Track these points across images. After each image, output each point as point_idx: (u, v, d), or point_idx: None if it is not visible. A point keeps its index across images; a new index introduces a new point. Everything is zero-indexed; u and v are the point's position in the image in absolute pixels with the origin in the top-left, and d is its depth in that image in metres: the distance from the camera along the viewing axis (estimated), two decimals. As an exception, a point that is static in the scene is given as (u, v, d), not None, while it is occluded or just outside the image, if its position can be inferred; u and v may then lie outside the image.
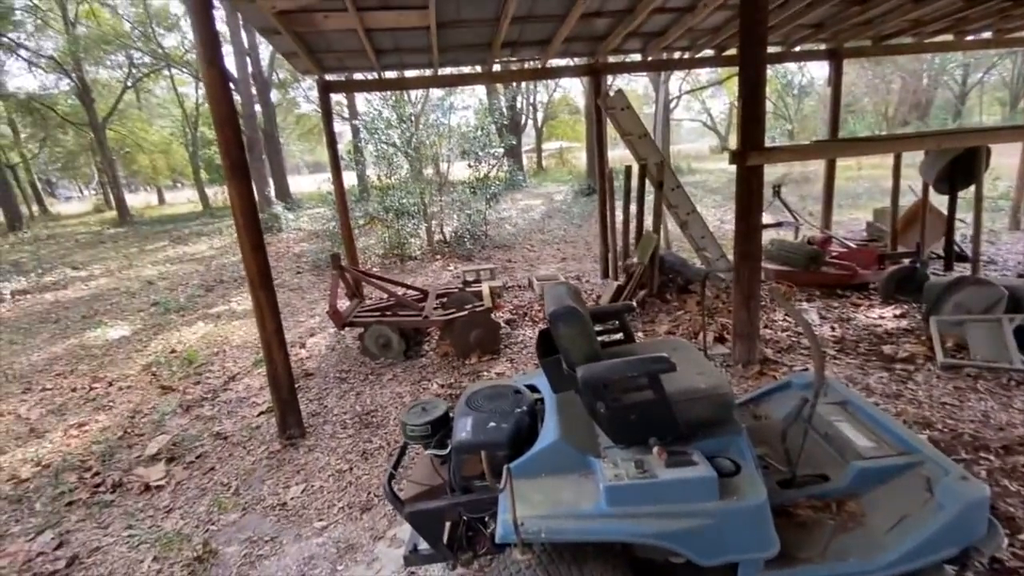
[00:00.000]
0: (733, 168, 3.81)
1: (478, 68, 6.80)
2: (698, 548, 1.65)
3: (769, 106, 30.45)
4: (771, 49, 7.35)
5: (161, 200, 32.52)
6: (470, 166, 9.33)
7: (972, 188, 5.92)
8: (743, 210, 3.85)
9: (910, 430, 2.06)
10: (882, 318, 4.99)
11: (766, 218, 8.64)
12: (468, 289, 5.84)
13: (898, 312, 5.05)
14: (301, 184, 25.53)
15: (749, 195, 3.78)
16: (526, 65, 6.87)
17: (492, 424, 1.98)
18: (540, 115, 31.46)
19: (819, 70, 31.42)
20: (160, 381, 4.91)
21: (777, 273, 6.25)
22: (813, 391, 1.87)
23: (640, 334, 5.02)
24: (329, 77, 6.36)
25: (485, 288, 5.77)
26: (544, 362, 2.00)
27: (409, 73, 6.72)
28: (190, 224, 18.96)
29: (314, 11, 4.59)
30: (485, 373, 4.41)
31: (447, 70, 6.99)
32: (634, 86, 34.86)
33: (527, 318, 5.78)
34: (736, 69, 3.85)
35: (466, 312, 4.71)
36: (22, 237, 17.21)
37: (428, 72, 6.58)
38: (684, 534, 1.63)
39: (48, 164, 30.67)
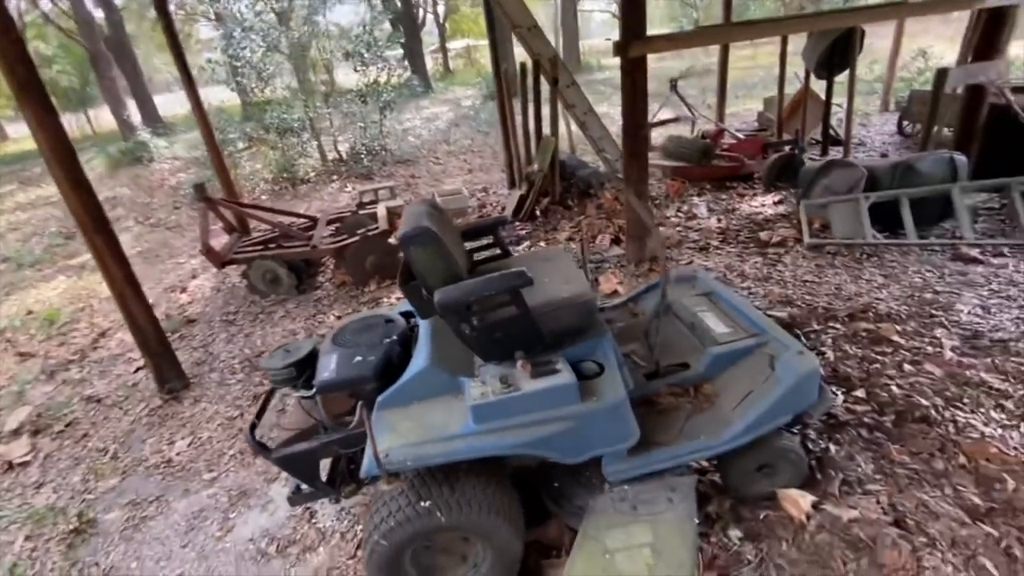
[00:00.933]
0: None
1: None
2: (563, 449, 1.72)
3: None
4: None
5: (2, 135, 27.38)
6: (356, 70, 8.39)
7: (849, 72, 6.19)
8: (629, 106, 3.74)
9: (760, 313, 2.21)
10: (763, 206, 5.28)
11: (665, 113, 8.69)
12: (363, 211, 5.48)
13: (777, 199, 5.37)
14: (173, 105, 22.16)
15: (634, 89, 3.66)
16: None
17: (358, 359, 1.88)
18: (441, 9, 28.63)
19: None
20: (16, 347, 4.33)
21: (673, 169, 6.38)
22: (661, 287, 1.92)
23: (542, 243, 5.01)
24: (159, -34, 5.26)
25: (381, 209, 5.44)
26: (404, 289, 1.89)
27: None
28: (42, 162, 16.18)
29: None
30: (385, 300, 4.27)
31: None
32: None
33: (430, 236, 5.57)
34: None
35: (359, 237, 4.44)
36: None
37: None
38: (548, 439, 1.68)
39: None
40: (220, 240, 4.89)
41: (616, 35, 3.58)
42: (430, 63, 24.49)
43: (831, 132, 6.72)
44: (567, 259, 2.20)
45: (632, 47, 3.49)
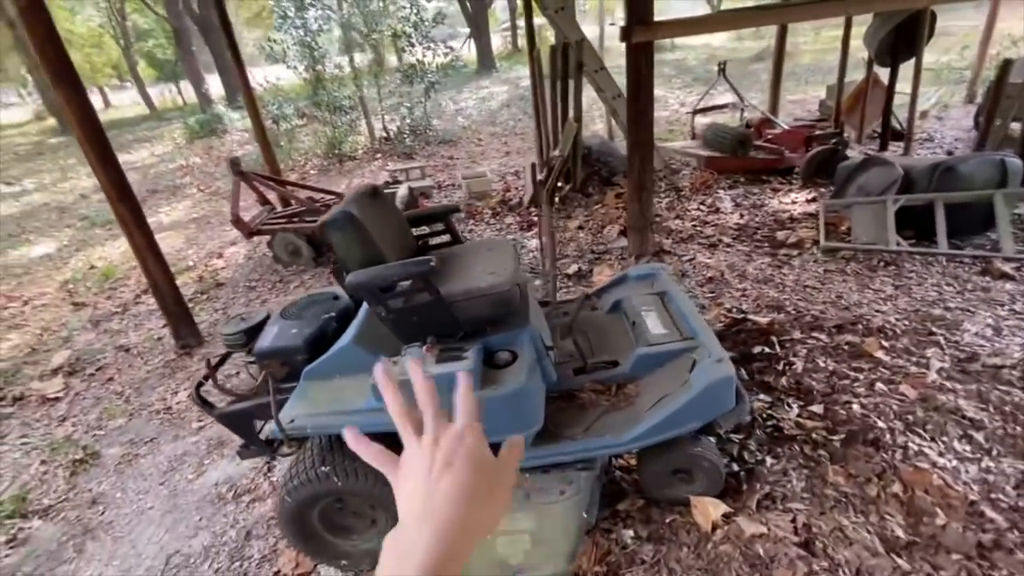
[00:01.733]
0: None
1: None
2: (459, 434, 1.79)
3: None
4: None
5: (106, 103, 30.33)
6: (403, 51, 8.57)
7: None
8: (633, 93, 3.63)
9: (701, 318, 2.14)
10: (794, 203, 4.97)
11: (716, 99, 8.27)
12: (388, 190, 5.69)
13: (811, 196, 5.02)
14: (258, 77, 23.54)
15: (638, 75, 3.55)
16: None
17: (294, 331, 2.03)
18: (513, -15, 28.14)
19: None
20: (74, 297, 4.93)
21: (707, 159, 6.11)
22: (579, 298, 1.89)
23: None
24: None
25: (402, 189, 5.63)
26: (332, 270, 2.01)
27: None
28: (135, 130, 17.93)
29: None
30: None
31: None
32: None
33: (448, 218, 5.69)
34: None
35: (369, 215, 4.63)
36: (-47, 151, 16.24)
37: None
38: (444, 422, 1.75)
39: (-25, 67, 28.03)
40: (251, 211, 5.26)
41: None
42: (497, 41, 24.32)
43: (897, 125, 6.14)
44: (507, 251, 2.22)
45: (635, 32, 3.38)
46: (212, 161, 11.19)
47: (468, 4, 19.62)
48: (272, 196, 5.48)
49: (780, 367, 2.59)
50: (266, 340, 2.02)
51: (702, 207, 5.08)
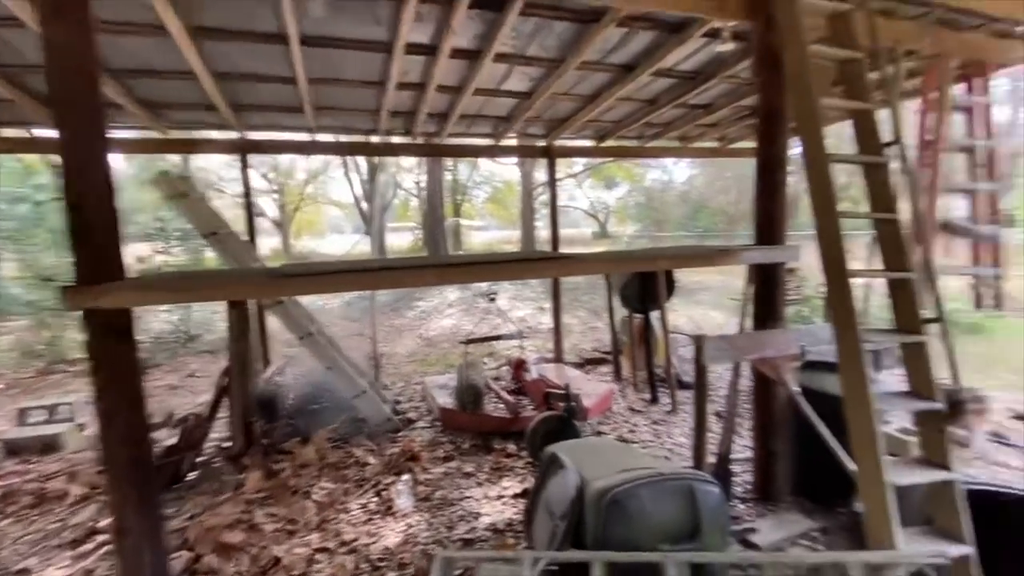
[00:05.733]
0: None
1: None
2: None
3: (632, 201, 32.10)
4: (484, 141, 6.51)
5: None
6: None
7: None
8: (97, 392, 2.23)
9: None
10: (500, 498, 3.56)
11: (498, 328, 7.39)
12: None
13: (525, 487, 3.65)
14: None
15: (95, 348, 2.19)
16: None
17: None
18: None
19: (679, 172, 32.31)
20: None
21: (443, 410, 4.81)
22: None
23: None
24: None
25: None
26: None
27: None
28: None
29: None
30: None
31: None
32: (510, 173, 33.28)
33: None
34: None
35: None
36: None
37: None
38: None
39: None
40: None
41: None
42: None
43: (655, 375, 5.30)
44: None
45: (71, 298, 2.08)
46: None
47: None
48: None
49: None
50: None
51: (375, 499, 3.54)
